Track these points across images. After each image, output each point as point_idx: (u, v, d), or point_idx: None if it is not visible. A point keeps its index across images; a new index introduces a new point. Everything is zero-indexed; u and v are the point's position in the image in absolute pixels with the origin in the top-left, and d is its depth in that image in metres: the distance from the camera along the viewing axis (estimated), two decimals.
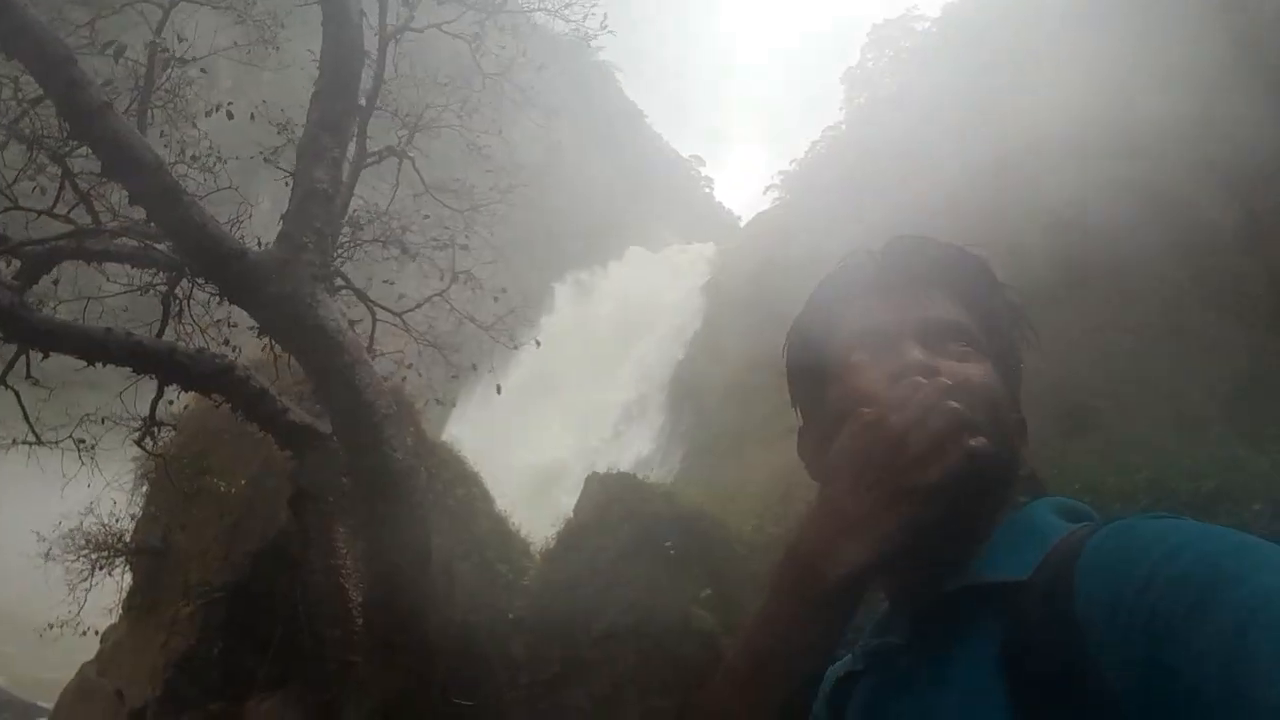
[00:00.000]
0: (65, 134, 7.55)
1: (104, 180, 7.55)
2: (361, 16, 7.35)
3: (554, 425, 24.96)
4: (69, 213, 8.47)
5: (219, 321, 9.01)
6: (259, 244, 7.08)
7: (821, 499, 0.89)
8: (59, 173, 8.34)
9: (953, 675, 0.88)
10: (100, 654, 12.75)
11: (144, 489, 12.94)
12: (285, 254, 6.34)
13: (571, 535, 9.88)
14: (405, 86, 10.77)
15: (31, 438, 9.00)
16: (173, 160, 8.48)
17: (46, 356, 7.39)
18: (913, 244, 1.07)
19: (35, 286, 7.92)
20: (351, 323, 7.63)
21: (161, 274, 8.72)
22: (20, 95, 7.85)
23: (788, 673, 0.87)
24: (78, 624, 11.95)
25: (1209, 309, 12.11)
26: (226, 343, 8.90)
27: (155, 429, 9.31)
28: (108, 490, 11.10)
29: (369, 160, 9.80)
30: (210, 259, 6.22)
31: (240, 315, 7.34)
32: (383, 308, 9.62)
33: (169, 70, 9.16)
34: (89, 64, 6.24)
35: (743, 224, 48.73)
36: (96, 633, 12.75)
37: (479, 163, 11.13)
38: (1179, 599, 0.71)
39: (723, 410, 21.50)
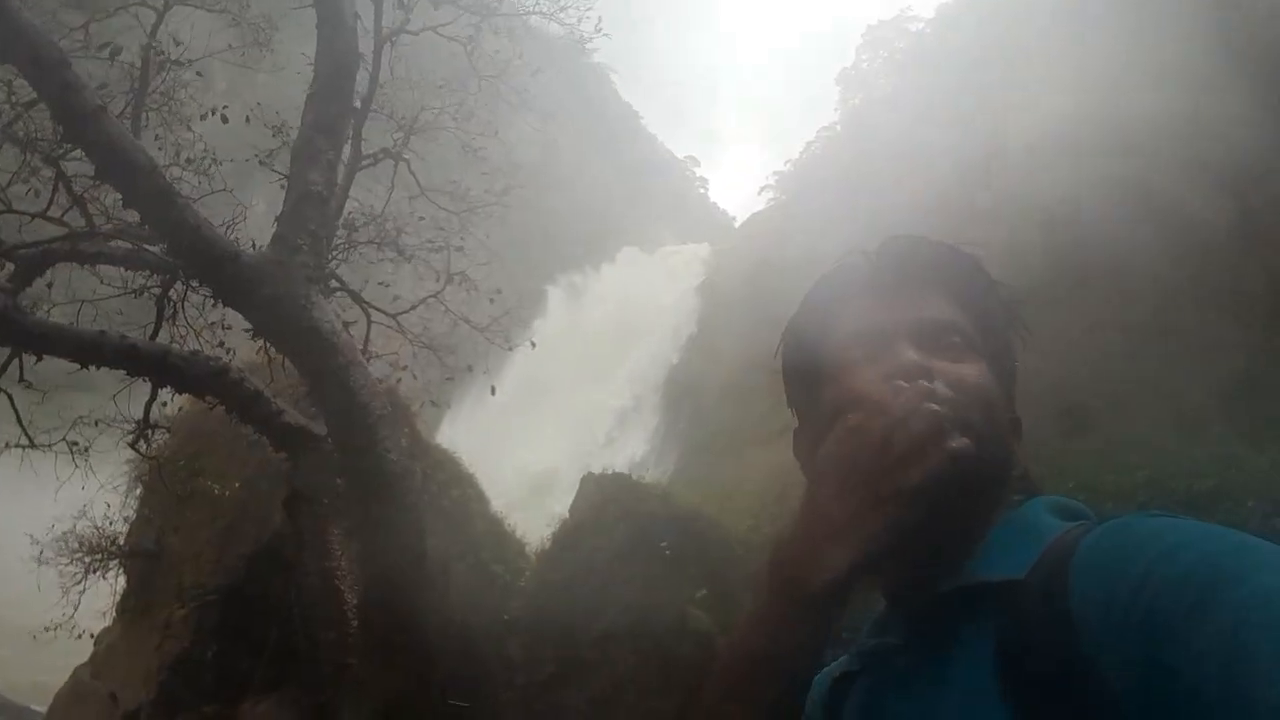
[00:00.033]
0: (59, 137, 7.54)
1: (98, 183, 7.53)
2: (356, 19, 7.35)
3: (547, 431, 24.73)
4: (63, 216, 8.46)
5: (213, 324, 9.00)
6: (254, 246, 7.08)
7: (806, 502, 0.90)
8: (53, 176, 8.32)
9: (949, 675, 0.88)
10: (94, 657, 12.72)
11: (138, 492, 12.90)
12: (280, 256, 6.34)
13: (567, 536, 9.87)
14: (401, 89, 10.77)
15: (25, 441, 8.98)
16: (167, 163, 8.47)
17: (40, 359, 7.38)
18: (907, 244, 1.06)
19: (29, 289, 7.91)
20: (346, 324, 7.62)
21: (156, 276, 8.70)
22: (14, 99, 7.84)
23: (777, 674, 0.87)
24: (73, 627, 11.91)
25: (1205, 308, 12.14)
26: (221, 345, 8.88)
27: (149, 432, 9.29)
28: (101, 493, 11.08)
29: (364, 162, 9.79)
30: (204, 261, 6.21)
31: (235, 317, 7.34)
32: (377, 309, 9.62)
33: (165, 73, 9.15)
34: (83, 67, 6.24)
35: (738, 224, 48.71)
36: (91, 635, 12.71)
37: (475, 165, 11.14)
38: (1177, 599, 0.70)
39: (719, 410, 21.51)
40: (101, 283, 9.22)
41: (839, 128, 36.29)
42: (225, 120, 8.63)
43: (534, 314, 30.01)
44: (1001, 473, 0.97)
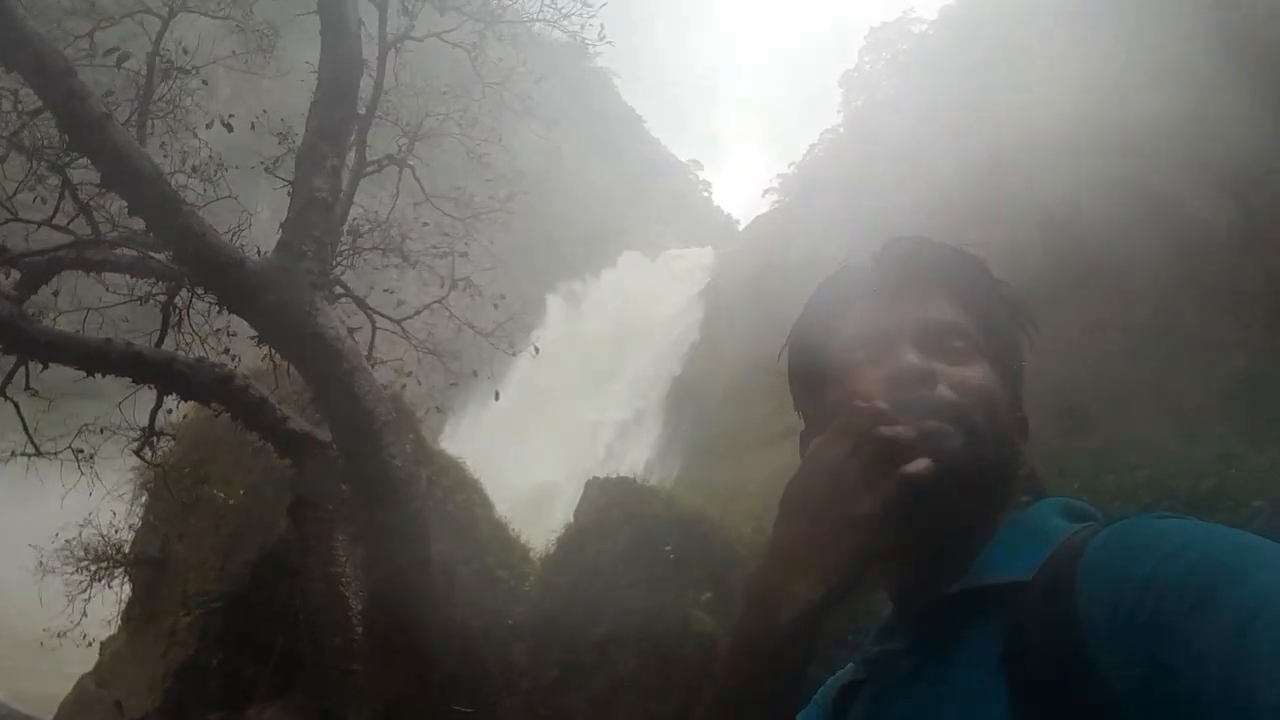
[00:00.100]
0: (65, 145, 7.57)
1: (104, 191, 7.57)
2: (360, 25, 7.37)
3: (547, 444, 24.33)
4: (69, 224, 8.49)
5: (218, 330, 9.02)
6: (258, 253, 7.10)
7: (775, 534, 0.91)
8: (59, 183, 8.35)
9: (954, 676, 0.88)
10: (99, 665, 12.73)
11: (143, 499, 12.92)
12: (284, 262, 6.36)
13: (571, 540, 9.87)
14: (405, 95, 10.81)
15: (31, 449, 9.00)
16: (172, 170, 8.50)
17: (46, 367, 7.40)
18: (909, 246, 1.06)
19: (35, 297, 7.94)
20: (351, 330, 7.64)
21: (161, 283, 8.73)
22: (20, 107, 7.88)
23: (758, 707, 0.88)
24: (83, 635, 11.93)
25: (1205, 307, 12.12)
26: (226, 351, 8.91)
27: (154, 439, 9.31)
28: (107, 500, 11.09)
29: (369, 169, 9.82)
30: (209, 268, 6.23)
31: (240, 324, 7.36)
32: (382, 315, 9.63)
33: (171, 81, 9.19)
34: (88, 75, 6.27)
35: (741, 227, 48.74)
36: (100, 644, 12.73)
37: (479, 171, 11.16)
38: (1180, 599, 0.70)
39: (722, 412, 21.50)
40: (107, 290, 9.25)
41: (842, 130, 36.27)
42: (230, 130, 8.66)
43: (534, 323, 29.83)
44: (1005, 473, 0.97)
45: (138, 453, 9.52)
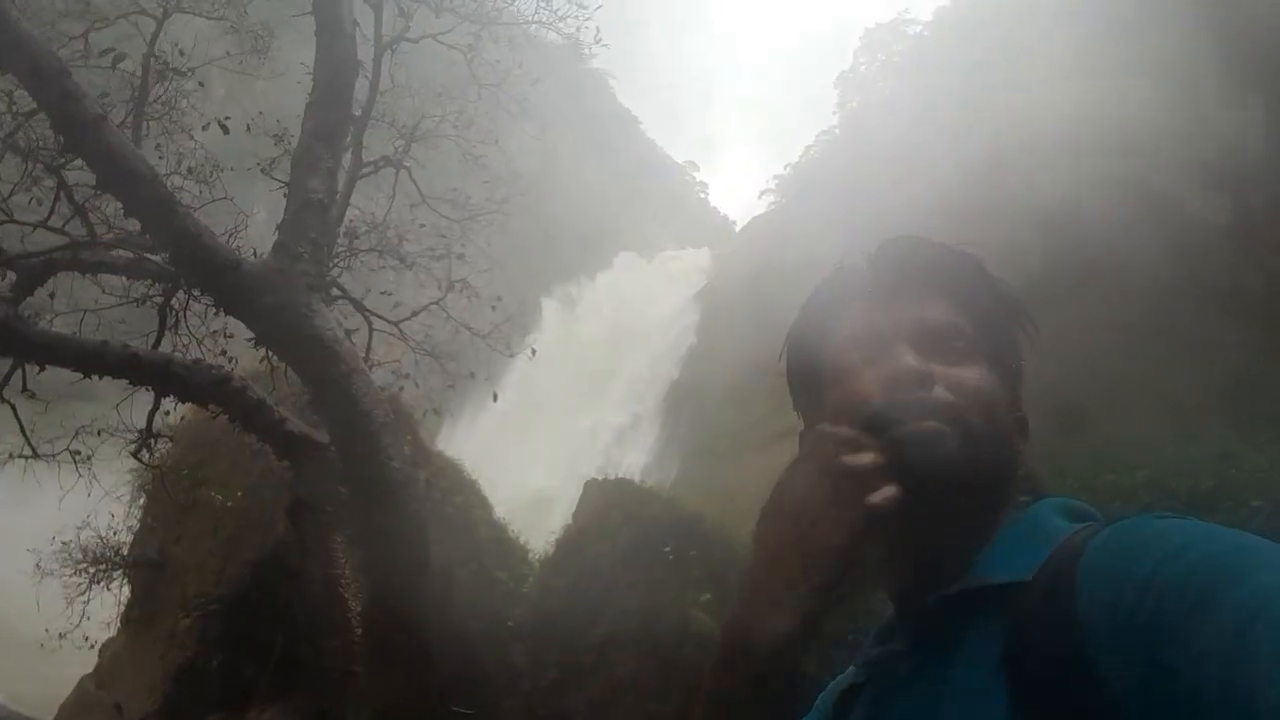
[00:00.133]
0: (60, 146, 7.56)
1: (99, 192, 7.56)
2: (355, 27, 7.37)
3: (543, 451, 24.15)
4: (65, 225, 8.48)
5: (215, 332, 9.02)
6: (255, 255, 7.09)
7: (749, 564, 0.91)
8: (54, 185, 8.34)
9: (954, 677, 0.88)
10: (99, 667, 12.73)
11: (141, 501, 12.92)
12: (281, 264, 6.35)
13: (570, 541, 9.88)
14: (401, 96, 10.81)
15: (28, 451, 8.99)
16: (168, 172, 8.49)
17: (43, 369, 7.39)
18: (906, 246, 1.06)
19: (31, 299, 7.92)
20: (348, 332, 7.63)
21: (157, 285, 8.72)
22: (15, 109, 7.86)
23: None
24: (86, 637, 11.93)
25: (1204, 307, 12.14)
26: (223, 353, 8.90)
27: (152, 441, 9.30)
28: (105, 502, 11.09)
29: (365, 170, 9.81)
30: (205, 270, 6.22)
31: (237, 326, 7.35)
32: (379, 316, 9.63)
33: (168, 83, 9.18)
34: (83, 76, 6.26)
35: (738, 228, 48.79)
36: (99, 646, 12.72)
37: (475, 172, 11.16)
38: (1180, 599, 0.70)
39: (720, 413, 21.52)
40: (103, 292, 9.24)
41: (838, 131, 36.38)
42: (226, 132, 8.65)
43: (530, 326, 29.64)
44: (1003, 473, 0.96)
45: (135, 455, 9.51)
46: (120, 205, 6.41)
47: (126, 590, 12.68)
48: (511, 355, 10.92)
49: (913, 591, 0.98)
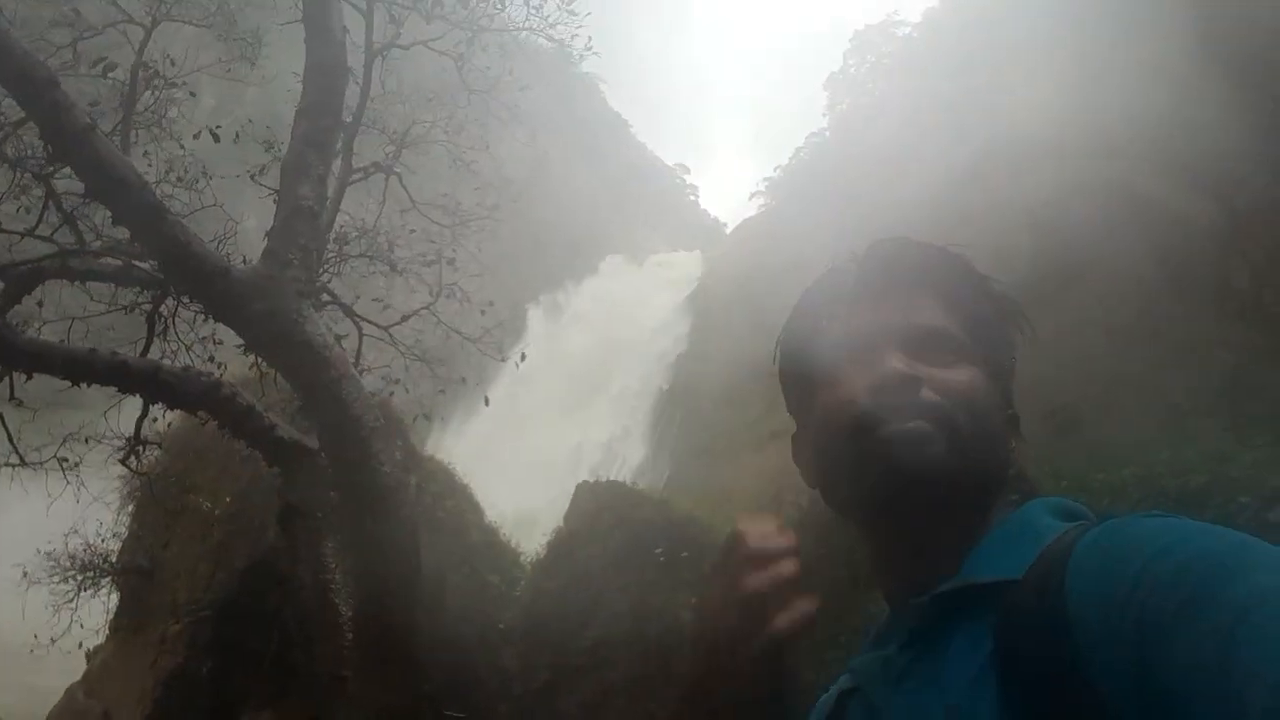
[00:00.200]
0: (49, 155, 7.54)
1: (88, 201, 7.53)
2: (345, 34, 7.37)
3: (526, 472, 23.33)
4: (53, 234, 8.45)
5: (204, 339, 8.99)
6: (244, 261, 7.08)
7: (695, 631, 0.92)
8: (43, 194, 8.31)
9: (945, 675, 0.88)
10: (88, 675, 12.64)
11: (130, 508, 12.84)
12: (270, 271, 6.35)
13: (562, 544, 9.87)
14: (392, 103, 10.81)
15: (15, 459, 8.94)
16: (157, 180, 8.46)
17: (30, 378, 7.36)
18: (894, 247, 1.05)
19: (19, 307, 7.89)
20: (338, 338, 7.62)
21: (146, 293, 8.69)
22: (3, 118, 7.83)
23: None
24: (79, 644, 11.85)
25: (1191, 307, 12.21)
26: (211, 359, 8.87)
27: (140, 448, 9.26)
28: (93, 509, 11.01)
29: (355, 176, 9.81)
30: (195, 277, 6.22)
31: (226, 332, 7.34)
32: (369, 322, 9.62)
33: (158, 92, 9.16)
34: (72, 85, 6.25)
35: (729, 231, 48.87)
36: (87, 653, 12.63)
37: (466, 178, 11.15)
38: (1169, 597, 0.70)
39: (713, 414, 21.53)
40: (92, 299, 9.19)
41: (828, 133, 36.52)
42: (217, 139, 8.64)
43: (517, 336, 29.07)
44: (992, 473, 0.97)
45: (123, 462, 9.47)
46: (109, 213, 6.41)
47: (115, 597, 12.60)
48: (503, 360, 10.92)
49: (905, 591, 0.98)
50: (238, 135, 9.26)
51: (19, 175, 8.29)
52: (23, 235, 8.20)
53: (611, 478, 11.69)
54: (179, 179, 9.39)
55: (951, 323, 1.01)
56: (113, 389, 7.55)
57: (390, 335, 9.70)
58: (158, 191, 6.59)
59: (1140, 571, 0.74)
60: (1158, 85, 13.43)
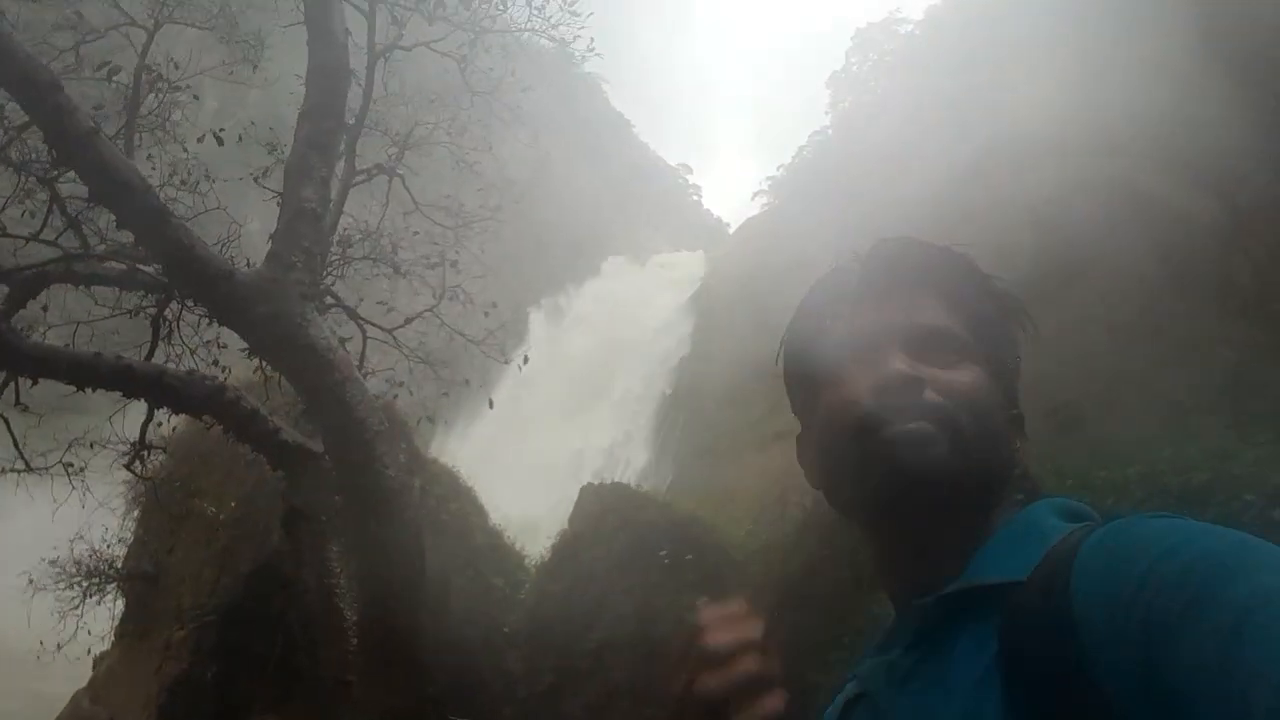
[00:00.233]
0: (52, 159, 7.55)
1: (92, 204, 7.55)
2: (348, 35, 7.37)
3: (528, 477, 23.05)
4: (57, 238, 8.47)
5: (209, 342, 9.00)
6: (248, 264, 7.09)
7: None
8: (47, 198, 8.33)
9: (950, 677, 0.87)
10: (93, 681, 12.65)
11: (135, 513, 12.86)
12: (274, 274, 6.35)
13: (566, 546, 9.88)
14: (395, 104, 10.81)
15: (21, 465, 8.96)
16: (160, 183, 8.48)
17: (36, 383, 7.38)
18: (897, 247, 1.06)
19: (24, 311, 7.91)
20: (342, 340, 7.63)
21: (150, 296, 8.71)
22: (6, 122, 7.85)
23: None
24: (90, 650, 11.87)
25: (1193, 304, 12.18)
26: (216, 363, 8.88)
27: (145, 453, 9.28)
28: (98, 514, 11.03)
29: (358, 178, 9.81)
30: (199, 281, 6.23)
31: (230, 335, 7.35)
32: (373, 324, 9.62)
33: (162, 95, 9.18)
34: (75, 88, 6.26)
35: (732, 230, 48.84)
36: (93, 659, 12.64)
37: (469, 179, 11.16)
38: (1175, 597, 0.70)
39: (716, 415, 21.51)
40: (96, 304, 9.21)
41: (830, 131, 36.48)
42: (221, 142, 8.65)
43: (518, 340, 28.77)
44: (996, 473, 0.97)
45: (128, 466, 9.48)
46: (113, 217, 6.41)
47: (120, 603, 12.61)
48: (506, 362, 10.92)
49: (910, 592, 0.98)
50: (240, 137, 9.28)
51: (23, 179, 8.31)
52: (27, 240, 8.23)
53: (617, 475, 11.70)
54: (182, 182, 9.40)
55: (955, 322, 1.01)
56: (117, 393, 7.57)
57: (394, 338, 9.71)
58: (161, 195, 6.60)
59: (1146, 572, 0.73)
60: (1159, 82, 13.41)
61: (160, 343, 8.76)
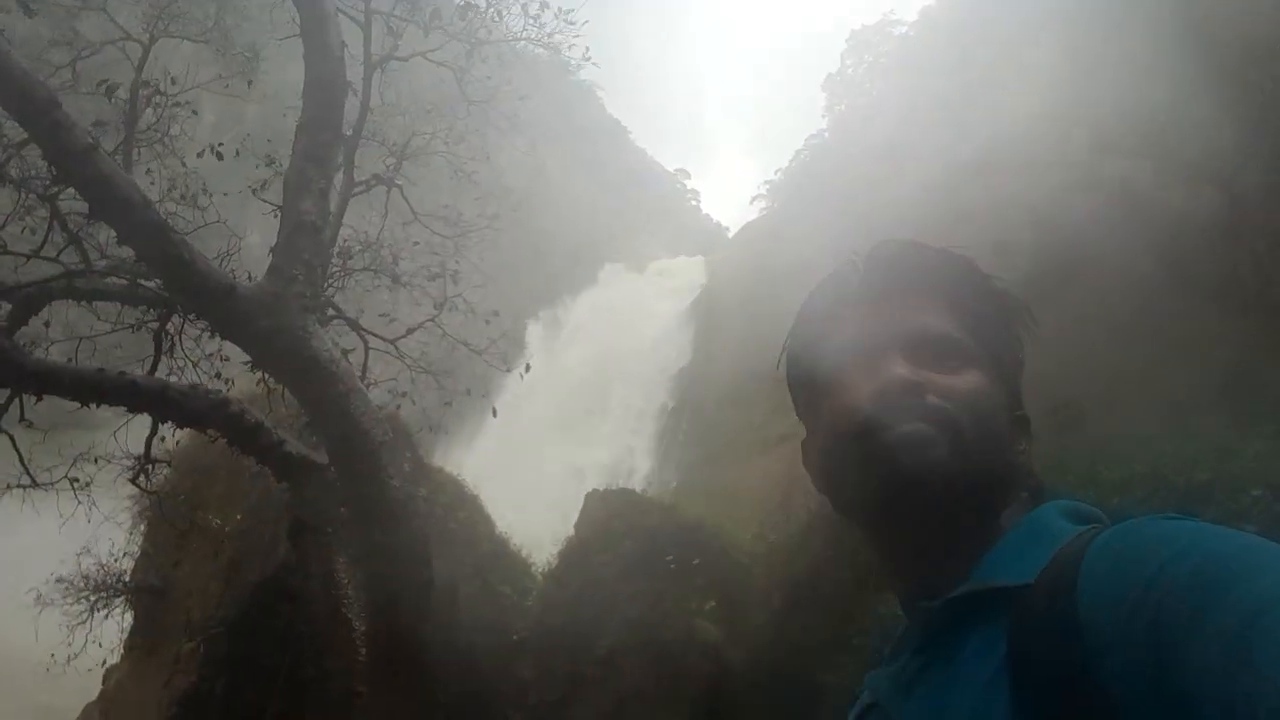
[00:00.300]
0: (52, 176, 7.58)
1: (92, 220, 7.57)
2: (344, 47, 7.40)
3: (529, 490, 23.41)
4: (58, 254, 8.49)
5: (211, 355, 9.02)
6: (249, 278, 7.11)
7: None
8: (47, 214, 8.35)
9: (958, 680, 0.87)
10: (103, 695, 12.65)
11: (141, 527, 12.86)
12: (275, 287, 6.38)
13: (573, 553, 9.87)
14: (392, 115, 10.84)
15: (27, 481, 8.96)
16: (160, 198, 8.50)
17: (40, 399, 7.39)
18: (896, 249, 1.06)
19: (27, 328, 7.93)
20: (345, 352, 7.64)
21: (152, 311, 8.73)
22: (5, 139, 7.88)
23: None
24: (103, 662, 11.86)
25: (1192, 300, 12.18)
26: (218, 376, 8.90)
27: (150, 466, 9.28)
28: (105, 528, 11.03)
29: (357, 189, 9.83)
30: (200, 295, 6.25)
31: (233, 348, 7.37)
32: (375, 335, 9.63)
33: (160, 110, 9.21)
34: (73, 104, 6.28)
35: (731, 235, 48.87)
36: (103, 673, 12.64)
37: (467, 189, 11.18)
38: (1183, 601, 0.70)
39: (722, 416, 21.50)
40: (98, 319, 9.23)
41: (827, 134, 36.56)
42: (220, 157, 8.68)
43: (517, 351, 28.36)
44: (999, 476, 0.97)
45: (133, 481, 9.49)
46: (114, 233, 6.44)
47: (129, 617, 12.62)
48: (508, 370, 10.94)
49: (918, 595, 0.98)
50: (239, 151, 9.31)
51: (24, 196, 8.33)
52: (29, 256, 8.25)
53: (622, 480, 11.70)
54: (182, 196, 9.42)
55: (955, 325, 1.02)
56: (121, 408, 7.58)
57: (396, 348, 9.72)
58: (161, 209, 6.62)
59: (1154, 575, 0.73)
60: (1152, 79, 13.45)
61: (163, 357, 8.78)
